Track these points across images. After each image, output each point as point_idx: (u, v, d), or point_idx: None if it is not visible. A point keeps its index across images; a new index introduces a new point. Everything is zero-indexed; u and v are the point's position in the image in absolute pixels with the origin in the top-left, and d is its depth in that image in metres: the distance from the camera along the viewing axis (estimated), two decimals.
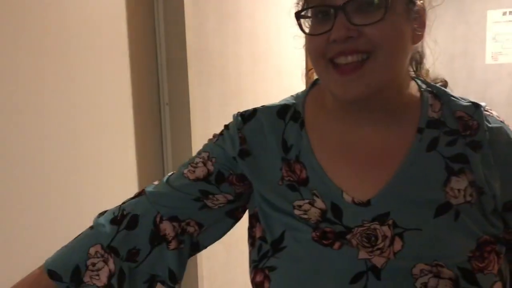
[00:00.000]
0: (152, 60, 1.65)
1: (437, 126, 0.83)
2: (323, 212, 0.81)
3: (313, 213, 0.81)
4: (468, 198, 0.79)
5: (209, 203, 0.89)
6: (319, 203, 0.82)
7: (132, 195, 0.93)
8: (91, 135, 1.37)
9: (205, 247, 0.94)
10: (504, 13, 4.89)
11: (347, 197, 0.80)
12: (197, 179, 0.88)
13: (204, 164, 0.89)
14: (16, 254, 1.13)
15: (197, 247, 0.93)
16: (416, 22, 0.79)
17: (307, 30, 0.80)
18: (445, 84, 0.93)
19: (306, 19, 0.81)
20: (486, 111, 0.84)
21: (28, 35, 1.16)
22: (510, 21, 4.88)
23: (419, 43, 0.84)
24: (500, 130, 0.82)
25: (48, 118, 1.22)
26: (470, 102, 0.85)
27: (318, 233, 0.79)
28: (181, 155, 1.67)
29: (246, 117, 0.90)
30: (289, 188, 0.84)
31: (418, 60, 0.90)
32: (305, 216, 0.81)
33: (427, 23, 0.81)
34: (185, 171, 0.90)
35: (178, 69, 1.66)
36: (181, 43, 1.64)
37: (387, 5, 0.74)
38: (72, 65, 1.29)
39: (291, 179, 0.85)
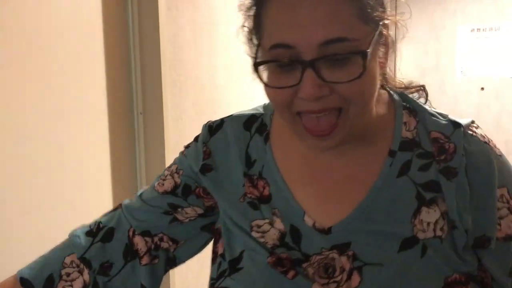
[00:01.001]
0: (126, 69, 1.65)
1: (411, 148, 0.75)
2: (281, 235, 0.76)
3: (271, 236, 0.77)
4: (438, 233, 0.71)
5: (179, 216, 0.87)
6: (279, 224, 0.77)
7: (106, 203, 0.93)
8: (64, 143, 1.36)
9: (183, 262, 0.92)
10: (473, 30, 5.02)
11: (308, 220, 0.75)
12: (165, 192, 0.87)
13: (172, 176, 0.88)
14: None
15: (173, 262, 0.91)
16: (382, 53, 0.72)
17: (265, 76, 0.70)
18: (422, 89, 0.84)
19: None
20: (471, 129, 0.76)
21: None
22: (478, 37, 5.01)
23: None
24: (481, 154, 0.74)
25: (20, 124, 1.21)
26: (449, 120, 0.76)
27: (273, 258, 0.74)
28: (154, 164, 1.66)
29: (213, 128, 0.87)
30: (250, 206, 0.80)
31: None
32: (262, 240, 0.77)
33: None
34: (156, 184, 0.89)
35: (152, 79, 1.66)
36: (155, 53, 1.64)
37: (365, 63, 0.64)
38: (46, 74, 1.28)
39: (253, 196, 0.80)
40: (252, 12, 0.72)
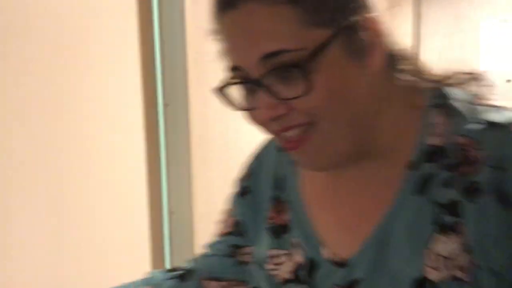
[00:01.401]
0: (151, 61, 1.65)
1: (436, 158, 0.60)
2: (297, 267, 0.69)
3: (284, 269, 0.70)
4: (456, 272, 0.55)
5: (243, 258, 0.82)
6: (297, 256, 0.69)
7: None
8: (99, 137, 1.37)
9: None
10: (499, 21, 4.93)
11: (325, 253, 0.66)
12: (226, 234, 0.84)
13: (230, 215, 0.84)
14: (17, 254, 1.13)
15: None
16: (366, 57, 0.58)
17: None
18: (476, 77, 0.65)
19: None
20: None
21: (36, 40, 1.16)
22: (504, 29, 4.93)
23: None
24: None
25: (61, 115, 1.23)
26: (487, 121, 0.58)
27: None
28: (178, 156, 1.67)
29: (260, 149, 0.82)
30: (271, 232, 0.74)
31: (396, 60, 0.64)
32: (275, 272, 0.70)
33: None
34: (219, 226, 0.86)
35: (177, 71, 1.66)
36: (181, 45, 1.64)
37: (306, 75, 0.54)
38: (78, 70, 1.30)
39: (276, 222, 0.74)
40: (219, 36, 0.65)
